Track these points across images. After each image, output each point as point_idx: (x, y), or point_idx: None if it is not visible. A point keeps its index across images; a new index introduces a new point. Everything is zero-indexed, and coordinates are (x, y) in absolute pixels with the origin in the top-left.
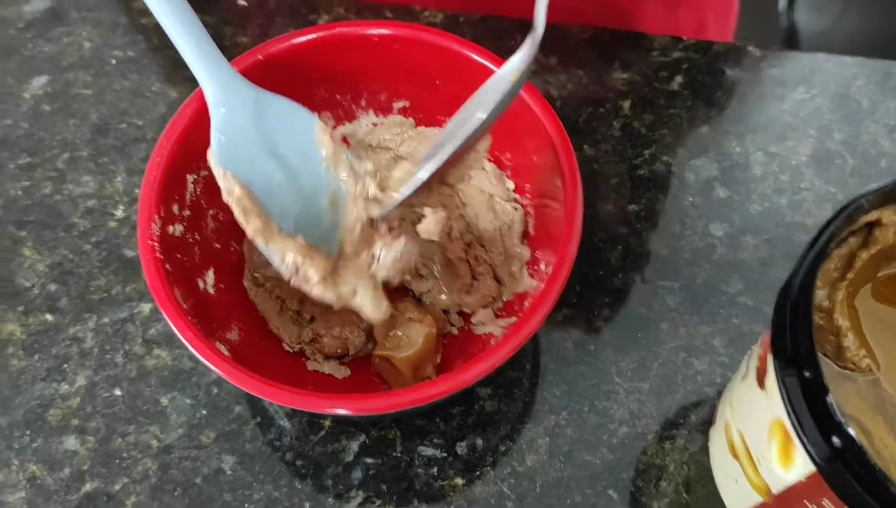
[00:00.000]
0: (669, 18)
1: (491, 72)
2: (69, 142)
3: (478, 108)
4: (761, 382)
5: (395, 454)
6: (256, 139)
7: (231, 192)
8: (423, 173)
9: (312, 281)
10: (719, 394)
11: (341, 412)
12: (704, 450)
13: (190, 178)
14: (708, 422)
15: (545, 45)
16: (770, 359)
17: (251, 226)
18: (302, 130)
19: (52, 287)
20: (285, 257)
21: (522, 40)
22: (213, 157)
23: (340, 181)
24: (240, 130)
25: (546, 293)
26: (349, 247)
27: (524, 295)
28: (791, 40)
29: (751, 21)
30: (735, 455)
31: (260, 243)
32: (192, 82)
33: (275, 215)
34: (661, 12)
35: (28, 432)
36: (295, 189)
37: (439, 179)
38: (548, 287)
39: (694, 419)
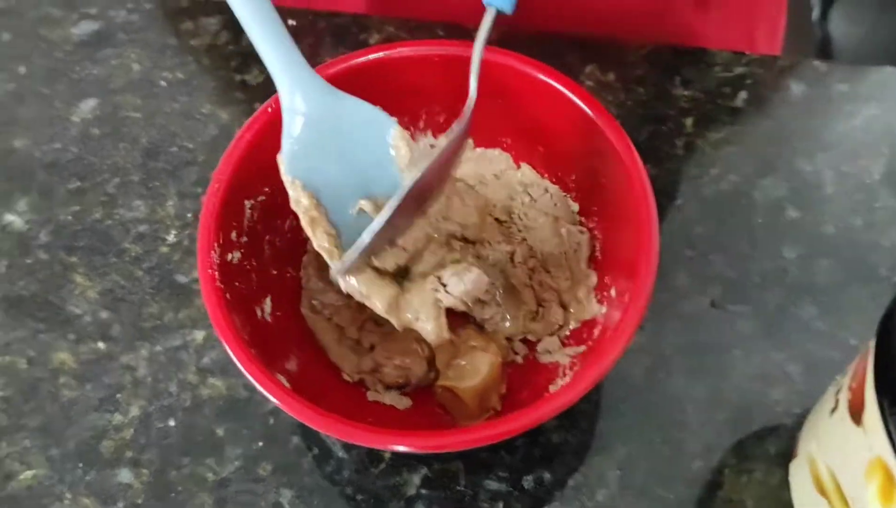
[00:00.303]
0: (720, 33)
1: (554, 90)
2: (119, 166)
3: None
4: (857, 418)
5: (458, 487)
6: (330, 147)
7: (298, 202)
8: (366, 235)
9: (377, 309)
10: (798, 425)
11: (406, 449)
12: (784, 485)
13: (248, 203)
14: (787, 455)
15: (602, 62)
16: (870, 394)
17: (317, 239)
18: (378, 136)
19: (104, 315)
20: (349, 280)
21: (577, 59)
22: (283, 164)
23: None
24: (313, 137)
25: (626, 321)
26: (416, 268)
27: (593, 322)
28: (825, 51)
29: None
30: (822, 493)
31: (326, 256)
32: (243, 104)
33: (342, 225)
34: (712, 27)
35: (81, 464)
36: (366, 199)
37: (391, 242)
38: (627, 315)
39: (772, 452)
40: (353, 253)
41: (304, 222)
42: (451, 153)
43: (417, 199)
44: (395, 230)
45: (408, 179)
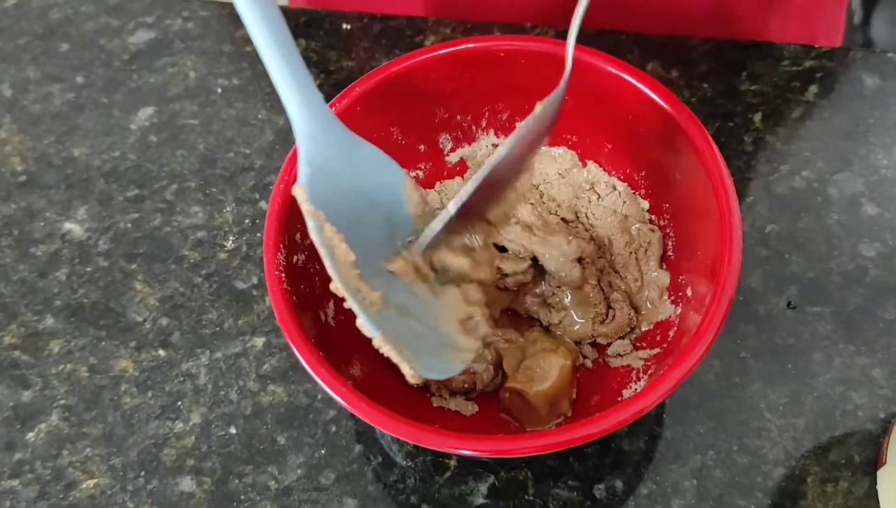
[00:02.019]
0: (781, 29)
1: (626, 83)
2: (177, 173)
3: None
4: None
5: (527, 497)
6: (347, 187)
7: (321, 231)
8: (452, 206)
9: (406, 374)
10: (884, 430)
11: (475, 454)
12: (872, 494)
13: None
14: (874, 462)
15: (665, 58)
16: None
17: (339, 277)
18: (392, 183)
19: (164, 322)
20: (375, 338)
21: (639, 56)
22: (301, 192)
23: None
24: (330, 167)
25: (708, 323)
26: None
27: (667, 324)
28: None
29: None
30: None
31: (350, 296)
32: None
33: (363, 269)
34: (772, 23)
35: (143, 473)
36: (388, 242)
37: (478, 215)
38: (709, 316)
39: (857, 460)
40: (437, 224)
41: (324, 256)
42: (539, 130)
43: (499, 179)
44: (475, 209)
45: (497, 151)
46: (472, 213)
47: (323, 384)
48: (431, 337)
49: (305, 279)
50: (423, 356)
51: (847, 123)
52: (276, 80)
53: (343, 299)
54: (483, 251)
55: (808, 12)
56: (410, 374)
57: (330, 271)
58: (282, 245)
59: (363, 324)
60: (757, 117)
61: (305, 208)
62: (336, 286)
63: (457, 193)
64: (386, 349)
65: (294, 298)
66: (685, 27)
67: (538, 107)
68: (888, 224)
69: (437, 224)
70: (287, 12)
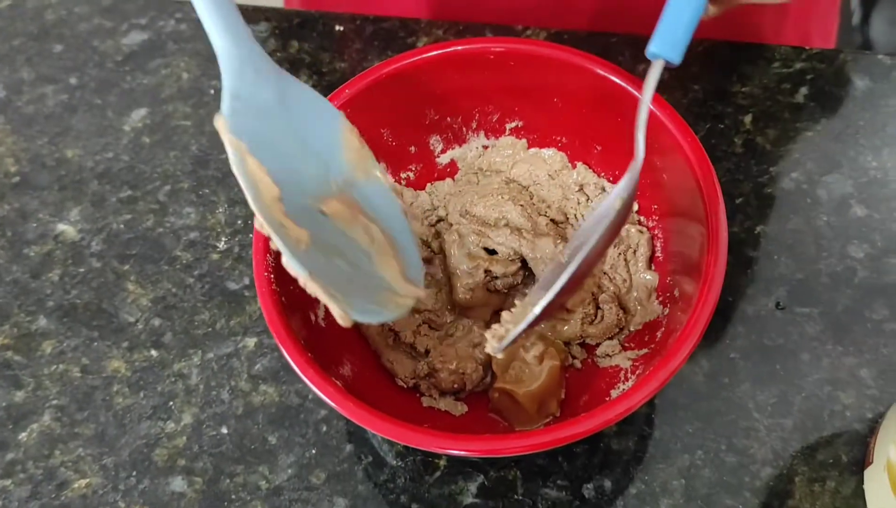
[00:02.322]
0: (775, 30)
1: (616, 85)
2: (170, 174)
3: (587, 238)
4: None
5: (516, 496)
6: (275, 116)
7: (243, 162)
8: (538, 308)
9: (336, 316)
10: (871, 431)
11: (464, 453)
12: (859, 493)
13: None
14: (861, 462)
15: None
16: None
17: (261, 211)
18: (328, 125)
19: (157, 322)
20: (301, 276)
21: (630, 57)
22: (222, 122)
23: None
24: (255, 100)
25: (693, 323)
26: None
27: (655, 324)
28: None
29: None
30: None
31: (272, 230)
32: None
33: (290, 208)
34: (766, 24)
35: (134, 472)
36: (323, 183)
37: (558, 308)
38: (694, 316)
39: (845, 459)
40: (522, 324)
41: (244, 186)
42: (617, 226)
43: (581, 273)
44: (556, 304)
45: (577, 256)
46: (553, 308)
47: (311, 384)
48: (365, 280)
49: (295, 280)
50: (355, 298)
51: (837, 124)
52: (199, 8)
53: None
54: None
55: (802, 14)
56: (340, 316)
57: (252, 204)
58: (271, 247)
59: (288, 262)
60: (747, 119)
61: (226, 138)
62: (259, 222)
63: (540, 291)
64: (312, 288)
65: (283, 299)
66: None
67: (617, 201)
68: (877, 225)
69: (521, 324)
70: (281, 14)
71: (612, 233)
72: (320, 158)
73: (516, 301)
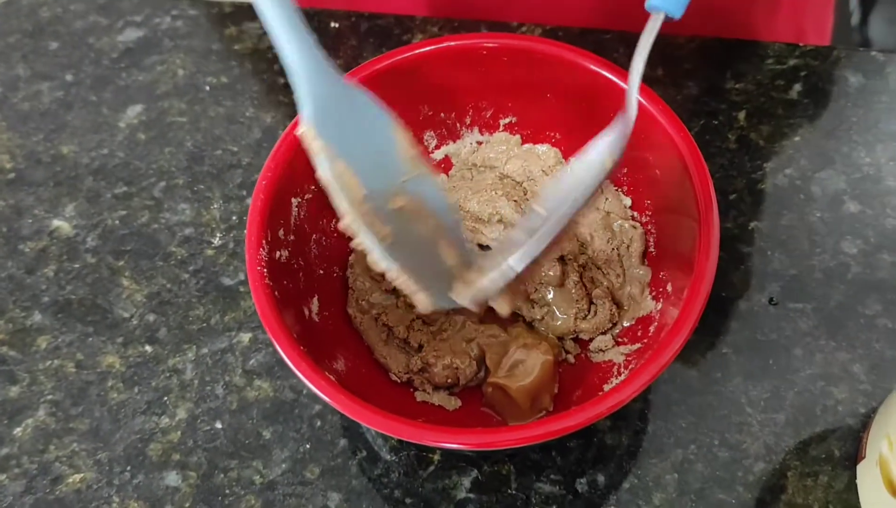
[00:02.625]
0: (768, 26)
1: (604, 79)
2: (165, 170)
3: (572, 193)
4: None
5: (509, 491)
6: (348, 120)
7: (332, 166)
8: (518, 265)
9: (420, 304)
10: (864, 425)
11: (457, 446)
12: (852, 488)
13: (294, 201)
14: (854, 457)
15: (651, 57)
16: None
17: (352, 212)
18: (385, 124)
19: (151, 318)
20: (391, 270)
21: (625, 54)
22: (308, 128)
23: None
24: (331, 106)
25: (684, 318)
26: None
27: (648, 319)
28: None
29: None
30: (895, 494)
31: (357, 228)
32: (286, 107)
33: (370, 201)
34: (759, 21)
35: (129, 467)
36: (389, 180)
37: (537, 264)
38: (685, 311)
39: (838, 454)
40: (499, 280)
41: (335, 191)
42: (599, 185)
43: (562, 232)
44: (536, 260)
45: (561, 209)
46: (533, 264)
47: (304, 378)
48: (437, 268)
49: (289, 275)
50: (433, 286)
51: (830, 121)
52: (272, 26)
53: (329, 296)
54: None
55: (796, 11)
56: (425, 303)
57: (342, 206)
58: (264, 241)
59: (378, 259)
60: (741, 115)
61: (316, 144)
62: (347, 223)
63: (519, 249)
64: (402, 281)
65: (276, 293)
66: (671, 25)
67: (608, 161)
68: (870, 221)
69: (499, 280)
70: None
71: (595, 192)
72: (386, 156)
73: (482, 260)
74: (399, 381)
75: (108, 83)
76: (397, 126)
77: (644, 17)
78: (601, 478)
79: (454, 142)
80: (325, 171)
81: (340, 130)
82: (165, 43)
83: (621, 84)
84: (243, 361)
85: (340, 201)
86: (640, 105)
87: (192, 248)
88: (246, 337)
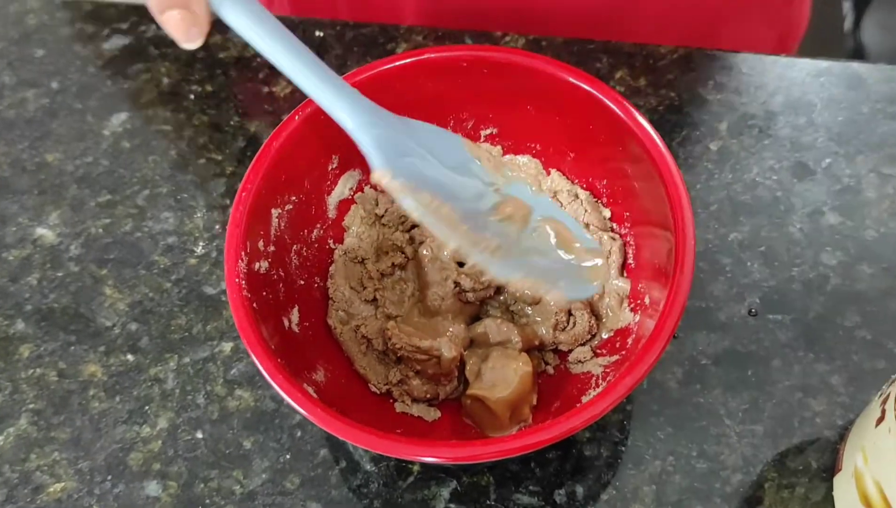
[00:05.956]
0: (751, 37)
1: (585, 93)
2: (149, 178)
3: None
4: None
5: (488, 502)
6: (416, 153)
7: (417, 201)
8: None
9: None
10: (841, 437)
11: (435, 460)
12: (828, 500)
13: (275, 212)
14: (831, 468)
15: (634, 67)
16: None
17: (454, 237)
18: (454, 146)
19: (133, 327)
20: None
21: (607, 64)
22: (384, 173)
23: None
24: (397, 146)
25: (660, 330)
26: None
27: (626, 331)
28: (858, 59)
29: (817, 40)
30: (869, 507)
31: (465, 250)
32: (270, 115)
33: (467, 222)
34: (742, 31)
35: (109, 476)
36: (483, 196)
37: None
38: (661, 324)
39: (815, 466)
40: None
41: (431, 223)
42: None
43: None
44: None
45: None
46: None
47: (280, 390)
48: (561, 264)
49: (268, 286)
50: (561, 281)
51: (811, 132)
52: (317, 96)
53: (309, 306)
54: None
55: (777, 22)
56: (557, 299)
57: (442, 234)
58: (243, 253)
59: (497, 274)
60: (723, 126)
61: (395, 186)
62: (454, 247)
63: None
64: (529, 286)
65: (255, 305)
66: (654, 36)
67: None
68: (850, 233)
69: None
70: None
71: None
72: (467, 174)
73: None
74: (378, 392)
75: (93, 91)
76: (463, 140)
77: (628, 27)
78: (580, 490)
79: None
80: (413, 206)
81: (411, 163)
82: (150, 51)
83: (599, 96)
84: (225, 371)
85: (439, 230)
86: (617, 117)
87: (175, 257)
88: (227, 347)
